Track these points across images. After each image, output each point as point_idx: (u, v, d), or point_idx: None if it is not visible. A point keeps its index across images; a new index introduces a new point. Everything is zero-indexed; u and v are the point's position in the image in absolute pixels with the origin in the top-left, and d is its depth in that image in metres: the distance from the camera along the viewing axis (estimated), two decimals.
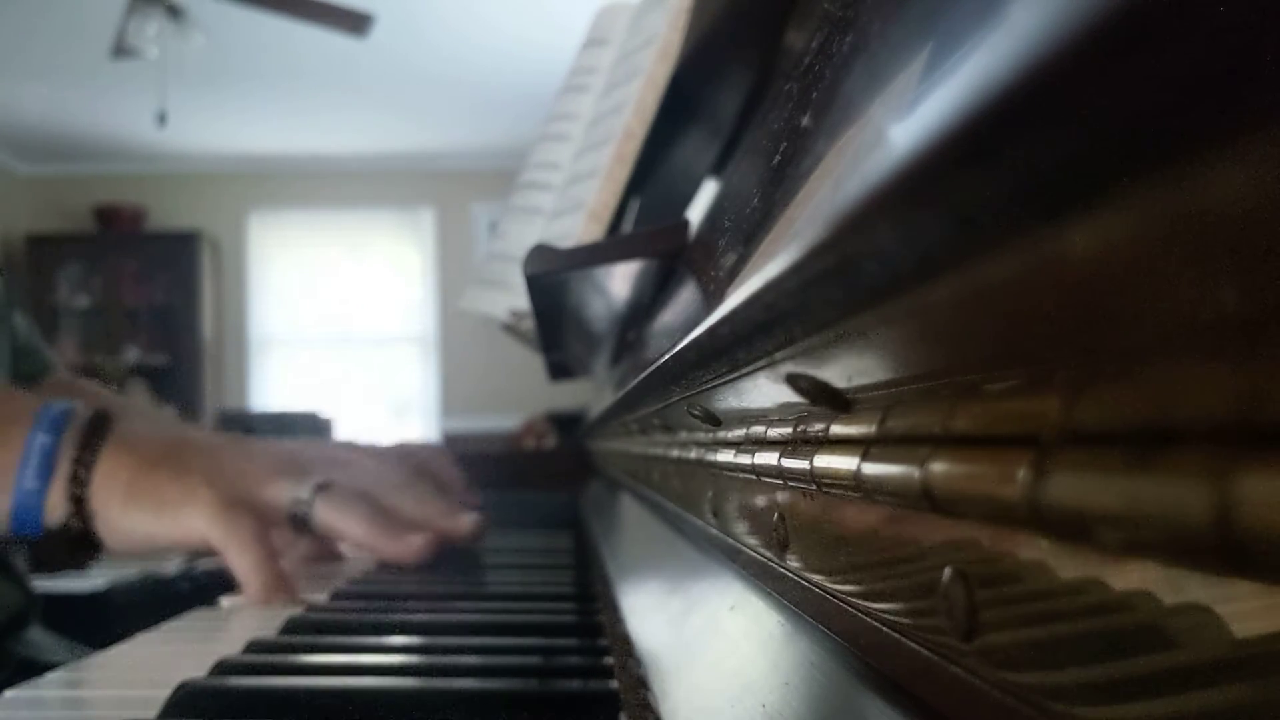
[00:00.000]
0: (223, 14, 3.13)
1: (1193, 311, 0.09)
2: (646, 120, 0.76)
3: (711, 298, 0.27)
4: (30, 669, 0.47)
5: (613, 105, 0.82)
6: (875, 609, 0.19)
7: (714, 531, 0.36)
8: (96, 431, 0.62)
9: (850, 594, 0.20)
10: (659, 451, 0.48)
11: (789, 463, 0.22)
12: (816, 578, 0.23)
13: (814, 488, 0.21)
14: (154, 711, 0.34)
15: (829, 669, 0.21)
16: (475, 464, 1.27)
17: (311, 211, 5.02)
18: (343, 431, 4.10)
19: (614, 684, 0.36)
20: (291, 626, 0.49)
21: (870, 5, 0.21)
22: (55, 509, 0.61)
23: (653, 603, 0.43)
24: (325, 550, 0.77)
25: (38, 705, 0.39)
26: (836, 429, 0.19)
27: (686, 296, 0.35)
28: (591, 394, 1.21)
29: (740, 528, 0.31)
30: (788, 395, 0.21)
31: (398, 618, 0.51)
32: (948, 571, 0.15)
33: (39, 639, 0.82)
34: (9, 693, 0.39)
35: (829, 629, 0.22)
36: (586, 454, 1.24)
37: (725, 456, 0.30)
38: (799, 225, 0.17)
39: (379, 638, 0.47)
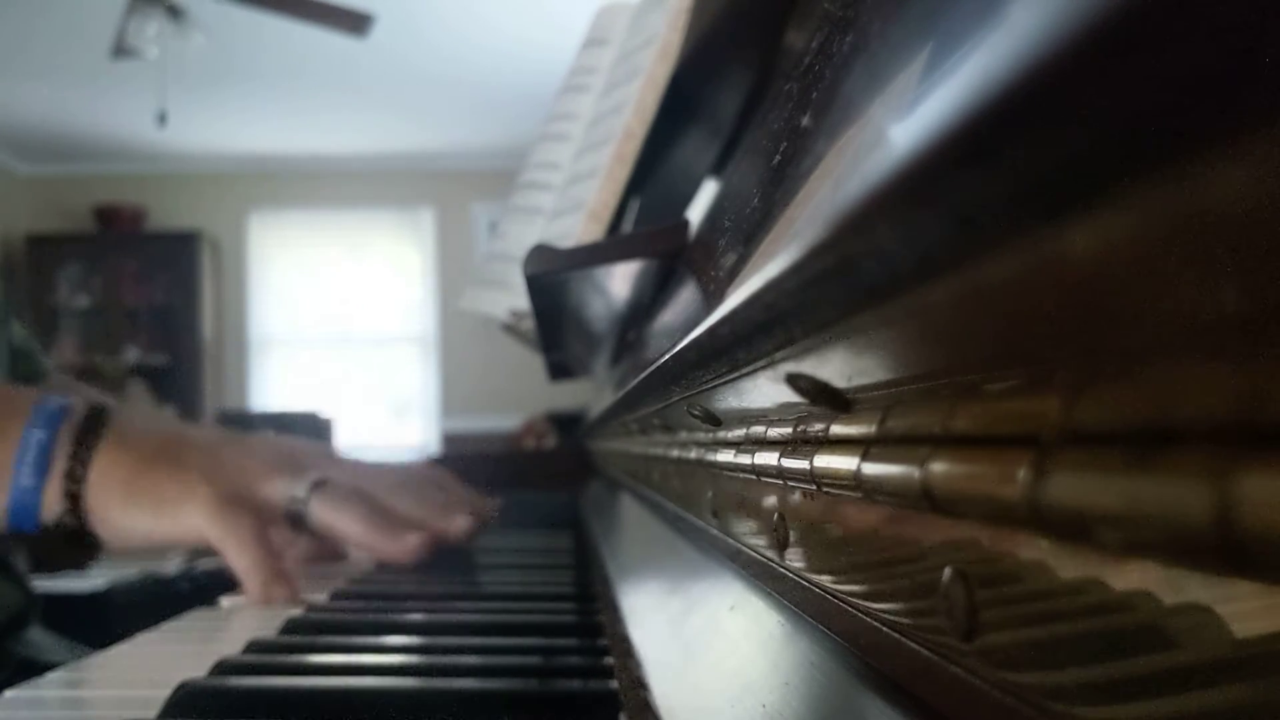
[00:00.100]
0: (223, 14, 3.13)
1: (1193, 311, 0.09)
2: (646, 120, 0.76)
3: (711, 298, 0.27)
4: (30, 669, 0.47)
5: (613, 105, 0.82)
6: (875, 609, 0.19)
7: (714, 531, 0.36)
8: (93, 428, 0.62)
9: (850, 594, 0.20)
10: (659, 451, 0.48)
11: (789, 463, 0.22)
12: (816, 578, 0.23)
13: (814, 488, 0.21)
14: (154, 711, 0.34)
15: (829, 669, 0.21)
16: (475, 464, 1.26)
17: (311, 211, 5.02)
18: (343, 431, 4.10)
19: (614, 684, 0.36)
20: (291, 626, 0.49)
21: (870, 5, 0.21)
22: (52, 506, 0.61)
23: (653, 603, 0.43)
24: (328, 550, 0.76)
25: (38, 705, 0.39)
26: (836, 429, 0.19)
27: (686, 296, 0.35)
28: (591, 394, 1.21)
29: (740, 528, 0.31)
30: (788, 395, 0.21)
31: (398, 618, 0.51)
32: (948, 571, 0.15)
33: (39, 639, 0.82)
34: (9, 693, 0.39)
35: (829, 629, 0.22)
36: (586, 454, 1.24)
37: (725, 456, 0.30)
38: (799, 225, 0.17)
39: (379, 638, 0.47)
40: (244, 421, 3.90)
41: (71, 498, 0.61)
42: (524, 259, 0.58)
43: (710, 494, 0.36)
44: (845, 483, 0.18)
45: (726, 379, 0.26)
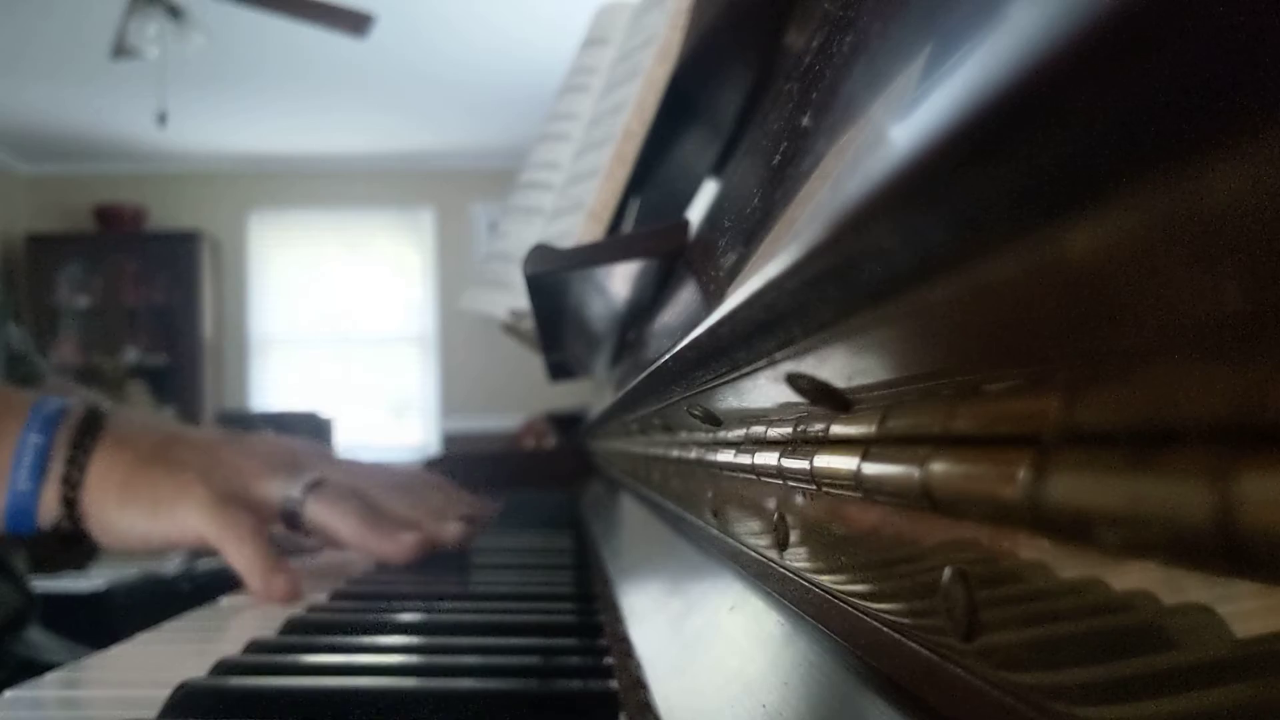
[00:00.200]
0: (223, 14, 3.13)
1: (1193, 312, 0.09)
2: (646, 120, 0.76)
3: (711, 297, 0.27)
4: (30, 669, 0.47)
5: (612, 105, 0.82)
6: (875, 609, 0.19)
7: (714, 531, 0.36)
8: (89, 430, 0.62)
9: (850, 594, 0.20)
10: (659, 451, 0.48)
11: (789, 463, 0.22)
12: (816, 577, 0.23)
13: (814, 488, 0.21)
14: (154, 711, 0.34)
15: (829, 669, 0.21)
16: (475, 464, 1.27)
17: (311, 211, 5.02)
18: (342, 431, 4.10)
19: (614, 684, 0.36)
20: (291, 626, 0.49)
21: (870, 5, 0.21)
22: (49, 509, 0.61)
23: (653, 603, 0.43)
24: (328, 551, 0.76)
25: (37, 705, 0.39)
26: (836, 429, 0.19)
27: (686, 296, 0.35)
28: (591, 394, 1.21)
29: (740, 528, 0.31)
30: (788, 395, 0.21)
31: (397, 618, 0.51)
32: (948, 571, 0.15)
33: (39, 639, 0.82)
34: (9, 693, 0.39)
35: (829, 629, 0.22)
36: (586, 454, 1.24)
37: (725, 456, 0.30)
38: (799, 225, 0.17)
39: (379, 638, 0.47)
40: (244, 421, 3.90)
41: (68, 502, 0.61)
42: (524, 259, 0.58)
43: (710, 494, 0.36)
44: (845, 483, 0.18)
45: (726, 379, 0.26)
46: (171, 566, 2.09)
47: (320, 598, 0.59)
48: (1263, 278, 0.08)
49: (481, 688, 0.36)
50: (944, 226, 0.11)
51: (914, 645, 0.17)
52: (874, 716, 0.18)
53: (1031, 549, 0.12)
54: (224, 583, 0.63)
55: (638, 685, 0.33)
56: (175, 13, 3.03)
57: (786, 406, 0.23)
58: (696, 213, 0.52)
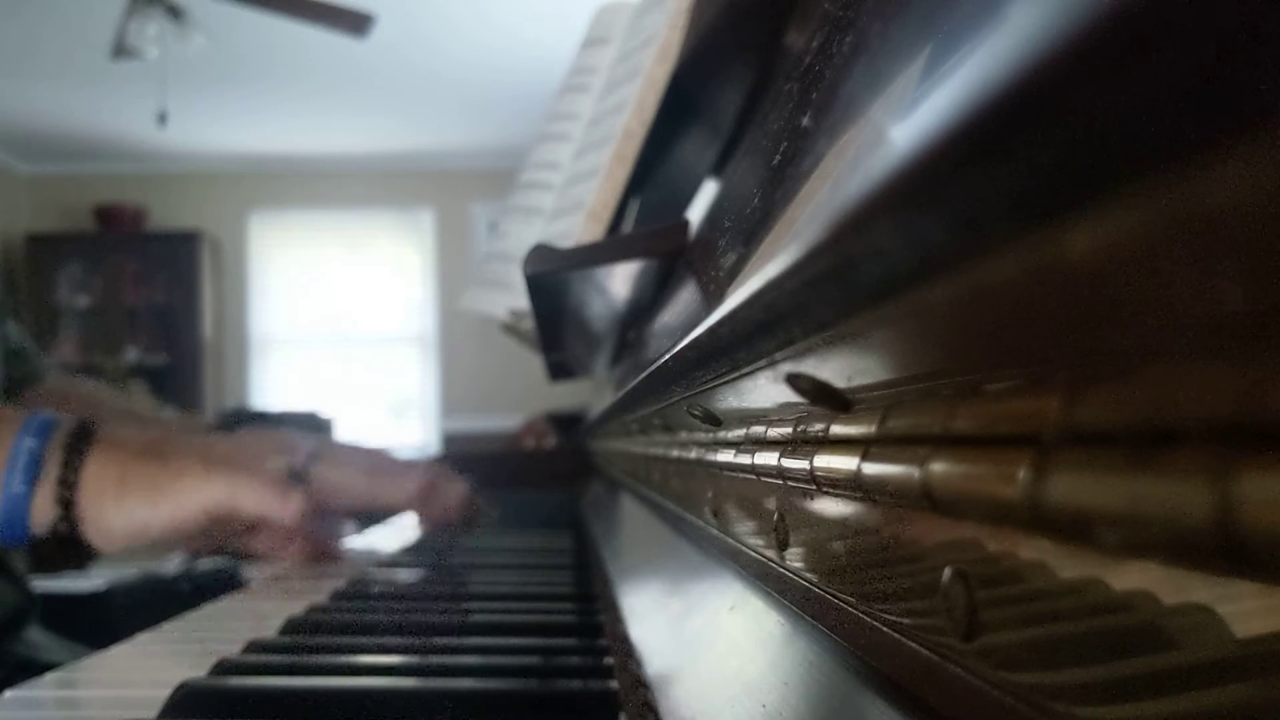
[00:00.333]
0: (223, 14, 3.13)
1: (1192, 312, 0.09)
2: (646, 120, 0.76)
3: (711, 298, 0.27)
4: (30, 669, 0.47)
5: (612, 105, 0.82)
6: (875, 609, 0.19)
7: (714, 531, 0.36)
8: (83, 434, 0.63)
9: (850, 594, 0.20)
10: (659, 451, 0.48)
11: (789, 463, 0.22)
12: (816, 578, 0.23)
13: (814, 488, 0.21)
14: (154, 711, 0.34)
15: (829, 669, 0.21)
16: (475, 464, 1.27)
17: (311, 211, 5.02)
18: (343, 431, 4.10)
19: (614, 684, 0.36)
20: (291, 626, 0.49)
21: (870, 5, 0.21)
22: (43, 513, 0.61)
23: (653, 603, 0.43)
24: (326, 552, 0.77)
25: (37, 705, 0.39)
26: (836, 429, 0.19)
27: (686, 296, 0.35)
28: (591, 394, 1.21)
29: (740, 528, 0.31)
30: (788, 395, 0.21)
31: (398, 618, 0.51)
32: (948, 571, 0.15)
33: (38, 639, 0.82)
34: (8, 693, 0.39)
35: (829, 629, 0.22)
36: (586, 454, 1.24)
37: (725, 456, 0.30)
38: (799, 225, 0.17)
39: (379, 638, 0.47)
40: (244, 421, 3.90)
41: (64, 503, 0.61)
42: (524, 259, 0.58)
43: (710, 494, 0.36)
44: (845, 483, 0.18)
45: (726, 379, 0.26)
46: (171, 566, 2.09)
47: (320, 598, 0.59)
48: (1263, 278, 0.08)
49: (481, 688, 0.36)
50: (944, 227, 0.11)
51: (914, 645, 0.17)
52: (874, 716, 0.18)
53: (1031, 549, 0.12)
54: (224, 583, 0.63)
55: (638, 685, 0.33)
56: (175, 13, 3.03)
57: (786, 406, 0.23)
58: (696, 213, 0.52)
